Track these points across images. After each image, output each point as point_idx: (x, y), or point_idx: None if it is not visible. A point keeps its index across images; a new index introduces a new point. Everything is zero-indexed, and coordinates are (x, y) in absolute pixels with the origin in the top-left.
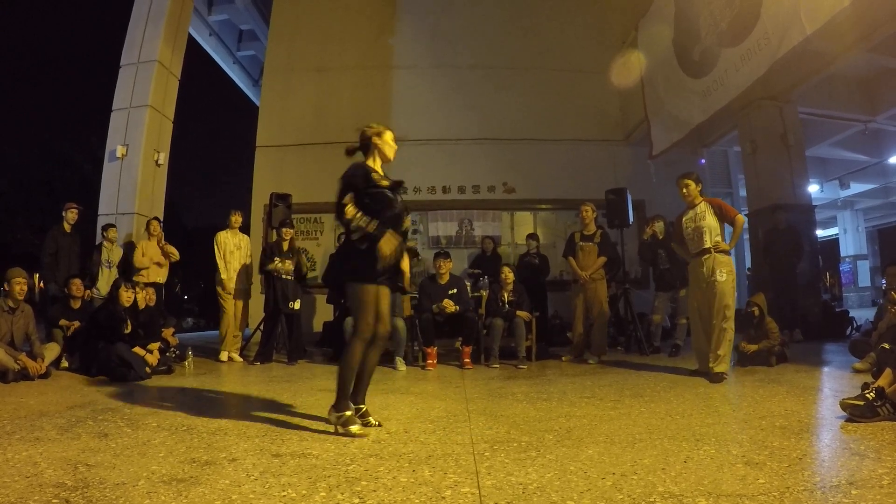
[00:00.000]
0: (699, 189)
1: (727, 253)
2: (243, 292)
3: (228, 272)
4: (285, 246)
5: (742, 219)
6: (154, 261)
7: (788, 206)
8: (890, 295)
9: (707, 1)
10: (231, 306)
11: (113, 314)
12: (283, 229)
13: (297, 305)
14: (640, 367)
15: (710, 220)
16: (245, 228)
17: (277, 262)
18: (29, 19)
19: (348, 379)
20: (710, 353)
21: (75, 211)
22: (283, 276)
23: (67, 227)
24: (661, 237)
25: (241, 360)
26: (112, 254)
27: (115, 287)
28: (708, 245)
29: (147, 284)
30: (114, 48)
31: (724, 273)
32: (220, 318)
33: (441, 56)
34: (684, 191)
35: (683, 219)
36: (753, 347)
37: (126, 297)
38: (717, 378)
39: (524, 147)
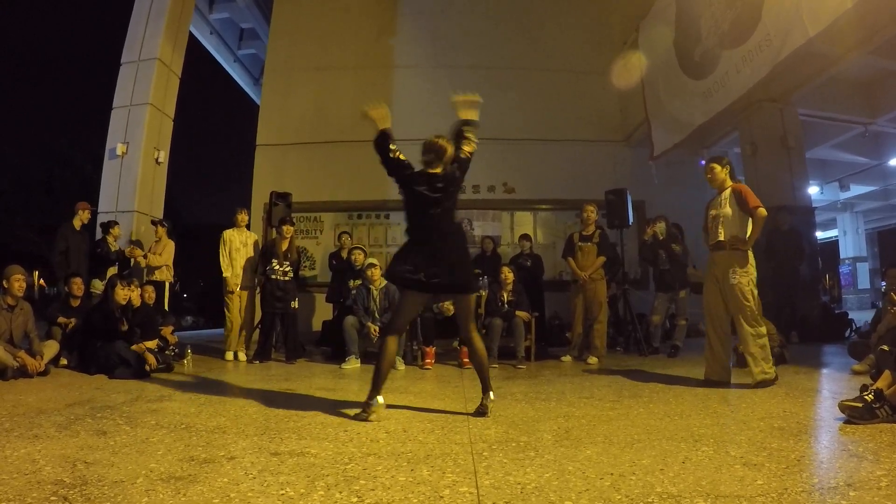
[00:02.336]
0: (726, 172)
1: (744, 252)
2: (250, 289)
3: (234, 269)
4: (284, 245)
5: (763, 212)
6: (161, 263)
7: (790, 208)
8: (890, 296)
9: (708, 2)
10: (234, 304)
11: (107, 314)
12: (284, 227)
13: (295, 304)
14: (639, 367)
15: (728, 210)
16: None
17: (275, 264)
18: (29, 18)
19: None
20: (747, 359)
21: (89, 211)
22: (281, 278)
23: (78, 225)
24: (661, 237)
25: (246, 357)
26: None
27: (111, 286)
28: (722, 238)
29: (152, 282)
30: (114, 47)
31: (738, 275)
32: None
33: (441, 56)
34: (708, 175)
35: (709, 206)
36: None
37: (122, 295)
38: (762, 384)
39: (524, 147)
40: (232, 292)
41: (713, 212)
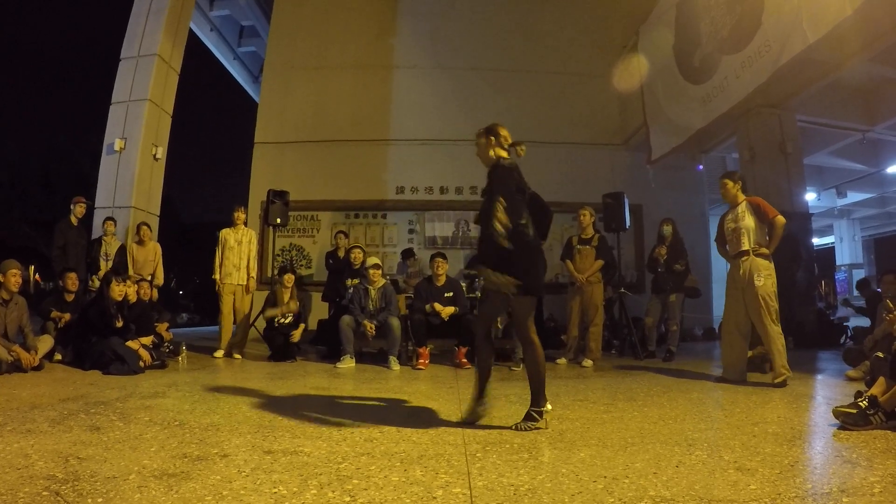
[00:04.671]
0: (738, 188)
1: (767, 257)
2: (245, 287)
3: (226, 267)
4: (286, 295)
5: (782, 220)
6: (146, 264)
7: (786, 214)
8: (886, 303)
9: (708, 7)
10: (225, 304)
11: (103, 310)
12: (285, 276)
13: (297, 337)
14: (634, 371)
15: (749, 221)
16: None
17: (278, 311)
18: (28, 14)
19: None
20: (771, 361)
21: (83, 205)
22: (283, 321)
23: (74, 221)
24: (668, 239)
25: (239, 357)
26: (110, 247)
27: (106, 282)
28: (746, 247)
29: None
30: (114, 43)
31: (763, 277)
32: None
33: (441, 57)
34: (721, 191)
35: (725, 219)
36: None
37: (118, 291)
38: (780, 385)
39: None
40: (219, 295)
41: (732, 225)
